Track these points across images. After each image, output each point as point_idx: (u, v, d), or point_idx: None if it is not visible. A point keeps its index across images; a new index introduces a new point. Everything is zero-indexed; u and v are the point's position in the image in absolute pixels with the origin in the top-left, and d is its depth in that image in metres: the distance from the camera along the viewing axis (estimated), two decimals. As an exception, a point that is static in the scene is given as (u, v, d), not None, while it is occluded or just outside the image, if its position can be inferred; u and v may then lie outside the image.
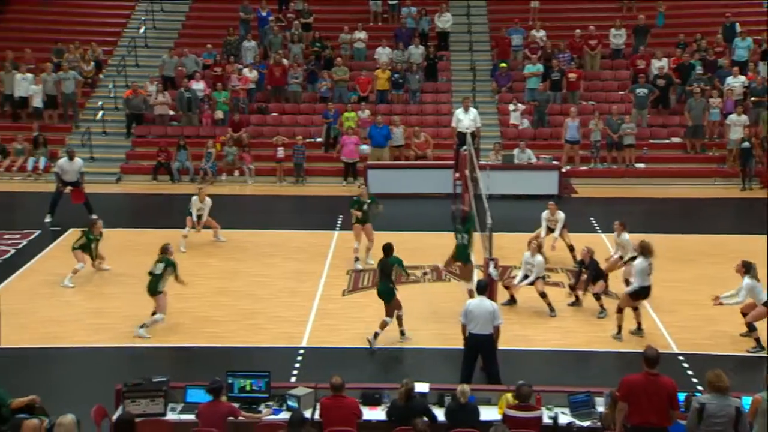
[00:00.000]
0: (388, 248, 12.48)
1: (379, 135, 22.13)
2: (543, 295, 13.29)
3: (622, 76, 25.02)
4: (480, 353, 10.48)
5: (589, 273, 13.24)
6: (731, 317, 12.82)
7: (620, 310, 12.41)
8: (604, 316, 13.08)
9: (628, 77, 24.65)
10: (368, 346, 11.99)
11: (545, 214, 15.46)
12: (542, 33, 25.48)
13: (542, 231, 15.28)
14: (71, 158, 18.17)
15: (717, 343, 12.20)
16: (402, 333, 12.40)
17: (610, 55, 25.55)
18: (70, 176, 17.97)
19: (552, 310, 13.25)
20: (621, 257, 13.87)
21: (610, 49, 25.53)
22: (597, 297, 13.27)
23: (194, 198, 16.36)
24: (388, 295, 12.18)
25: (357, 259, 15.53)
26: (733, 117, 22.22)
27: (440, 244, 17.10)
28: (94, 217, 15.75)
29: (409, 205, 20.02)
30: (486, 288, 10.69)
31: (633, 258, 12.76)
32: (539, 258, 13.25)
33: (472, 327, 10.43)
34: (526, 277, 13.25)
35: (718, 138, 23.04)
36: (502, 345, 11.51)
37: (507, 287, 13.41)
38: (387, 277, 12.19)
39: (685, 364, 11.52)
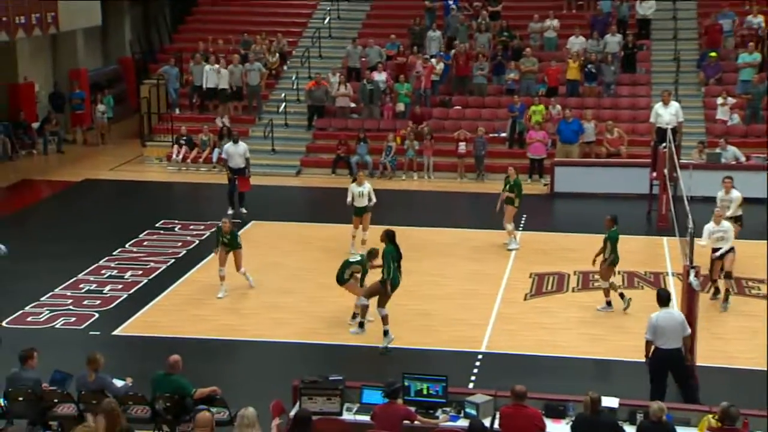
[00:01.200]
0: (392, 235, 12.50)
1: (568, 130, 21.74)
2: (729, 276, 13.41)
3: None
4: (672, 371, 10.08)
5: None
6: None
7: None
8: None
9: None
10: (384, 348, 12.05)
11: (720, 194, 15.04)
12: (759, 19, 24.06)
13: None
14: (236, 142, 18.98)
15: None
16: (361, 325, 12.62)
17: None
18: (236, 161, 18.69)
19: (726, 300, 13.38)
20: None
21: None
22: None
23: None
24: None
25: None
26: None
27: (630, 248, 16.66)
28: (225, 218, 14.93)
29: (599, 206, 19.52)
30: (669, 298, 10.37)
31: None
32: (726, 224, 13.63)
33: (662, 342, 10.06)
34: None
35: None
36: (703, 361, 11.03)
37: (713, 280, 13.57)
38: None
39: None
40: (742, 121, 22.48)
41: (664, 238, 16.84)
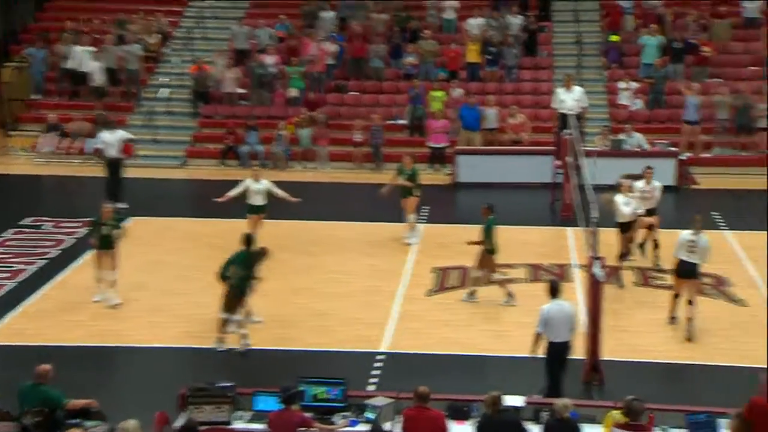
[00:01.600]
0: (249, 239, 12.44)
1: (470, 116, 22.05)
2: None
3: (755, 48, 24.25)
4: (561, 364, 10.43)
5: None
6: None
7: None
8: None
9: (763, 50, 23.84)
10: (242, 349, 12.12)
11: (640, 184, 15.40)
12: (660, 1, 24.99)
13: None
14: (112, 128, 18.54)
15: None
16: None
17: (742, 24, 24.80)
18: (113, 150, 18.29)
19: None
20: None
21: (742, 17, 24.80)
22: None
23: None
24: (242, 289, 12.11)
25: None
26: None
27: (534, 240, 17.02)
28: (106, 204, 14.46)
29: (503, 196, 19.85)
30: (560, 289, 10.65)
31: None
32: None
33: (553, 336, 10.37)
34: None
35: None
36: (610, 355, 11.35)
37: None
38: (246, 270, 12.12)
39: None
40: (645, 106, 23.24)
41: (569, 229, 17.25)
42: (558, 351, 10.46)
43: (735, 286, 14.37)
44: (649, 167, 15.77)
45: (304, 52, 24.12)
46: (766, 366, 7.59)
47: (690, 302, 12.84)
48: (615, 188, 14.77)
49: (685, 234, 12.93)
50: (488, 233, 13.79)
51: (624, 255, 14.60)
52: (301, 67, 23.73)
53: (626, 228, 14.65)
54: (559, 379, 10.48)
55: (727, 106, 21.74)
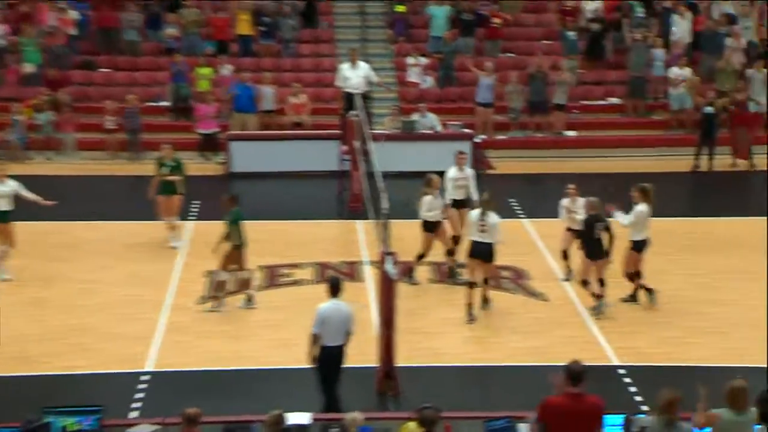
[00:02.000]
0: None
1: (244, 96, 22.00)
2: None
3: (548, 20, 25.68)
4: (333, 370, 10.67)
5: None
6: (681, 320, 13.45)
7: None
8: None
9: (555, 23, 25.34)
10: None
11: (452, 171, 15.68)
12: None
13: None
14: None
15: (666, 352, 12.72)
16: None
17: (533, -6, 26.21)
18: None
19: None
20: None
21: (533, -13, 26.22)
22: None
23: None
24: None
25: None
26: (675, 70, 23.16)
27: (321, 235, 17.25)
28: None
29: (284, 187, 20.07)
30: (340, 288, 10.83)
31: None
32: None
33: (328, 339, 10.59)
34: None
35: (664, 97, 23.94)
36: (406, 361, 11.69)
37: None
38: None
39: (627, 379, 11.97)
40: (436, 83, 24.07)
41: (359, 222, 17.60)
42: (331, 356, 10.60)
43: (534, 279, 15.16)
44: (461, 152, 16.25)
45: (39, 21, 23.22)
46: (567, 363, 8.08)
47: (486, 281, 13.71)
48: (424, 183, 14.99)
49: (474, 213, 13.71)
50: (234, 226, 13.93)
51: (421, 257, 14.95)
52: (38, 39, 22.84)
53: (431, 228, 14.91)
54: (333, 388, 10.64)
55: (520, 94, 22.84)
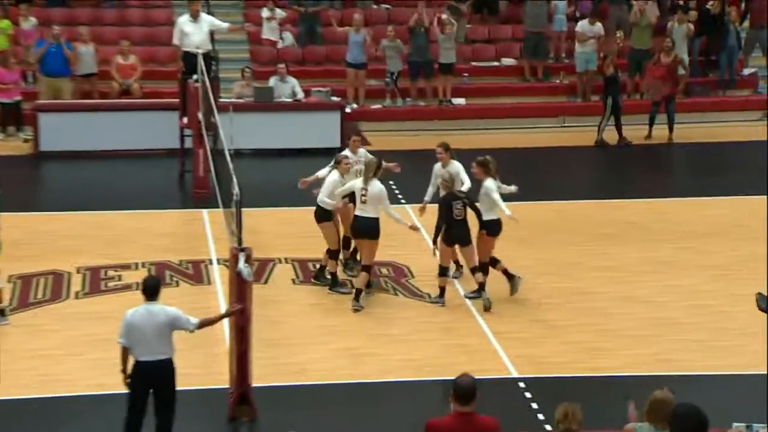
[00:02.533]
0: None
1: (55, 57, 21.50)
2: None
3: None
4: (153, 391, 10.30)
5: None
6: (590, 322, 13.68)
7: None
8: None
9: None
10: None
11: (346, 153, 15.30)
12: None
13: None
14: None
15: (572, 360, 12.92)
16: None
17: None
18: None
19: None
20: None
21: None
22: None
23: None
24: None
25: None
26: (583, 24, 23.58)
27: (159, 229, 17.01)
28: None
29: (108, 170, 19.74)
30: (158, 289, 10.46)
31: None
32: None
33: (139, 352, 10.22)
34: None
35: (568, 57, 24.35)
36: (263, 381, 11.58)
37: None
38: None
39: (528, 394, 12.12)
40: (296, 41, 23.97)
41: (204, 211, 17.48)
42: (146, 374, 10.23)
43: (417, 278, 15.20)
44: (356, 135, 16.24)
45: None
46: (456, 378, 8.09)
47: (367, 268, 13.95)
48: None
49: (357, 182, 13.89)
50: None
51: (337, 254, 14.78)
52: None
53: (329, 216, 14.51)
54: (163, 416, 10.28)
55: (397, 52, 22.87)
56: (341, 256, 14.95)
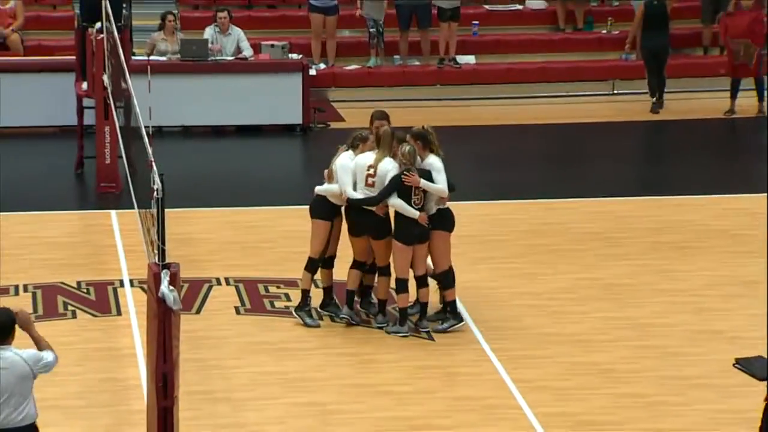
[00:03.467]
0: None
1: None
2: None
3: None
4: None
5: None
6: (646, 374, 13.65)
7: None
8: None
9: None
10: None
11: None
12: None
13: None
14: None
15: (627, 419, 12.91)
16: None
17: None
18: None
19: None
20: None
21: None
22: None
23: None
24: None
25: None
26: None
27: (43, 235, 16.97)
28: None
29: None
30: (9, 329, 10.28)
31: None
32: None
33: None
34: None
35: None
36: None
37: None
38: None
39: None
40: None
41: (113, 213, 17.58)
42: None
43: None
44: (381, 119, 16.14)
45: None
46: None
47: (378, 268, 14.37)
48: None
49: (361, 159, 14.26)
50: None
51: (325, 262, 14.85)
52: None
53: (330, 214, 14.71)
54: None
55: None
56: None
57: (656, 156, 22.03)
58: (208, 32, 21.39)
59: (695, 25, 23.93)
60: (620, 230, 17.48)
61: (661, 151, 22.11)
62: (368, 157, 14.24)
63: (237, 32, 21.42)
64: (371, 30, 23.15)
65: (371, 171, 14.14)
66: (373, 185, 14.13)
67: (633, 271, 16.08)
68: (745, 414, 12.68)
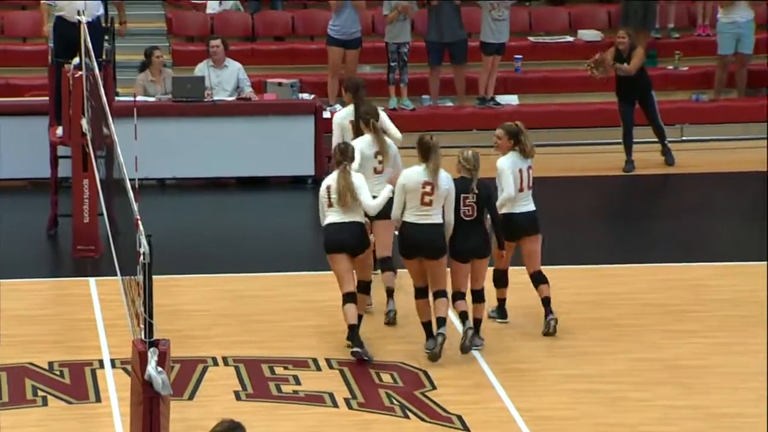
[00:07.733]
0: None
1: None
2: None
3: None
4: None
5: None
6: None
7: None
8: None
9: None
10: None
11: None
12: None
13: None
14: None
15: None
16: None
17: None
18: None
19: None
20: None
21: None
22: None
23: None
24: None
25: None
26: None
27: (18, 310, 17.08)
28: None
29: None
30: None
31: None
32: None
33: None
34: None
35: (689, 30, 24.92)
36: None
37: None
38: None
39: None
40: (241, 2, 24.28)
41: (91, 280, 17.73)
42: None
43: (441, 386, 15.24)
44: None
45: None
46: None
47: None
48: None
49: (412, 173, 14.99)
50: None
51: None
52: None
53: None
54: None
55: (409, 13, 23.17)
56: None
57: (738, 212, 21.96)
58: (200, 68, 21.48)
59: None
60: (693, 302, 17.50)
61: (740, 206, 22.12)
62: (418, 172, 14.81)
63: (235, 67, 21.50)
64: (392, 61, 23.20)
65: (427, 188, 14.60)
66: (430, 203, 14.64)
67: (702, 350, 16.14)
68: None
